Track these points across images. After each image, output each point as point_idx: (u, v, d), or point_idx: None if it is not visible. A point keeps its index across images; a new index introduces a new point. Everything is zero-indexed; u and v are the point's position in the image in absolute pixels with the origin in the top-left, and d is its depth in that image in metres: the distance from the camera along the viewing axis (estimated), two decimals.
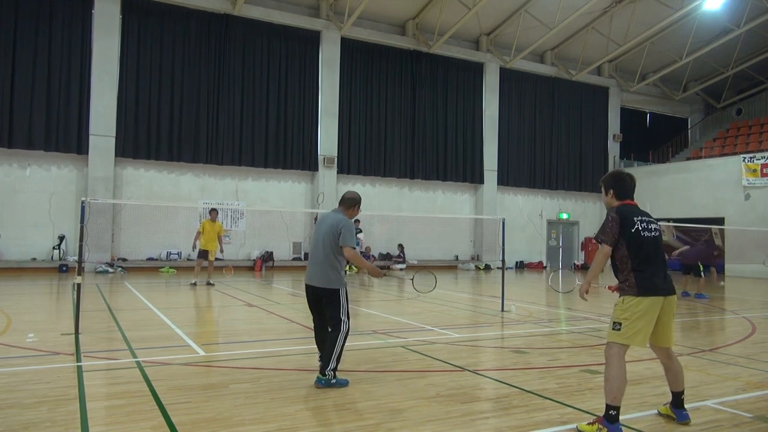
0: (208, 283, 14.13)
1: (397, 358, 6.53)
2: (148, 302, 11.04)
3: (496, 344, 7.87)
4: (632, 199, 4.54)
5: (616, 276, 4.42)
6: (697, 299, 13.37)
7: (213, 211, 14.35)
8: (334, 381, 5.07)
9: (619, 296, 4.34)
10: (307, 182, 22.07)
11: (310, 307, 5.54)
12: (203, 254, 14.14)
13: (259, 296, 12.81)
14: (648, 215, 4.47)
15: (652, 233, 4.35)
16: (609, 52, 25.94)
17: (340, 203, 5.65)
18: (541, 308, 11.68)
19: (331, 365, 5.08)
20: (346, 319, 5.26)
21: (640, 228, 4.30)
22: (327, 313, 5.32)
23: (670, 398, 4.49)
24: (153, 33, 19.26)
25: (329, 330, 5.25)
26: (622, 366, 4.15)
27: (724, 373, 6.05)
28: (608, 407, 4.08)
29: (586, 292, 4.53)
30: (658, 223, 4.52)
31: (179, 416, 4.27)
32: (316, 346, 5.67)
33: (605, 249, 4.32)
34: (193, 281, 14.10)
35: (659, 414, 4.57)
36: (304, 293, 5.51)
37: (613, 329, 4.24)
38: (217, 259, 14.95)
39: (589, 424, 4.13)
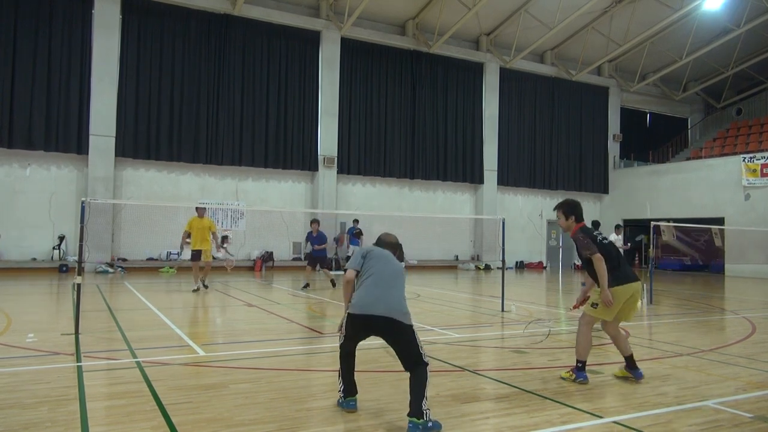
0: (204, 286, 13.27)
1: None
2: (148, 302, 11.04)
3: (496, 344, 7.87)
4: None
5: (593, 278, 5.55)
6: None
7: (200, 208, 13.16)
8: (431, 424, 4.05)
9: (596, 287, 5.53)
10: (307, 182, 22.07)
11: (353, 341, 4.55)
12: (196, 255, 12.99)
13: (259, 296, 12.80)
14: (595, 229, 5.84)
15: (606, 241, 5.60)
16: (609, 52, 25.94)
17: (392, 248, 4.86)
18: (541, 308, 11.67)
19: (425, 404, 4.10)
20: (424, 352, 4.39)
21: (600, 239, 5.56)
22: (404, 348, 4.36)
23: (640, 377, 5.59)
24: (153, 33, 19.25)
25: (418, 367, 4.28)
26: (588, 333, 5.58)
27: (724, 373, 6.05)
28: (577, 361, 5.50)
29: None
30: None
31: (179, 416, 4.27)
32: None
33: (599, 255, 5.39)
34: (195, 287, 13.07)
35: (615, 377, 5.67)
36: (351, 322, 4.45)
37: (591, 306, 5.54)
38: (214, 258, 13.74)
39: (567, 372, 5.55)
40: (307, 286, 13.84)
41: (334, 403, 4.68)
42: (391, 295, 4.39)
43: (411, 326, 4.38)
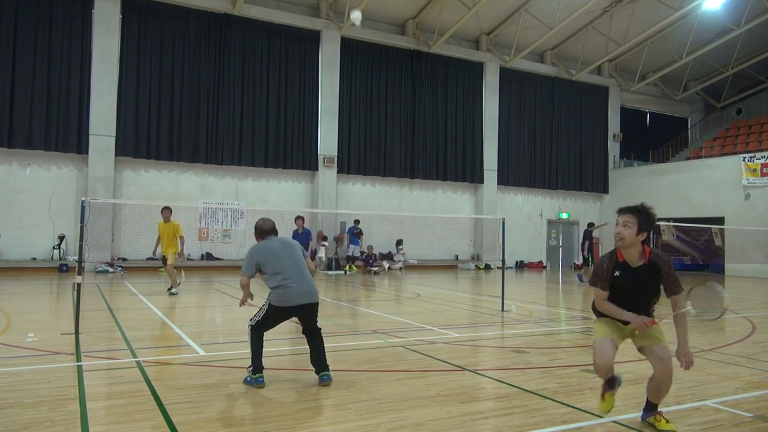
0: (170, 292, 12.08)
1: (397, 357, 6.53)
2: (148, 302, 11.04)
3: (496, 344, 7.87)
4: None
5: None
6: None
7: (165, 210, 12.21)
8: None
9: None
10: (307, 182, 22.07)
11: (273, 325, 5.47)
12: (163, 261, 12.47)
13: (259, 296, 12.77)
14: None
15: None
16: (609, 52, 25.93)
17: (275, 231, 5.66)
18: (541, 308, 11.68)
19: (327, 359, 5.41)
20: None
21: None
22: (313, 321, 5.48)
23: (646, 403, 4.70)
24: (153, 33, 19.25)
25: (318, 333, 5.46)
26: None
27: (724, 373, 6.05)
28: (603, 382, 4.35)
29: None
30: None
31: (179, 416, 4.27)
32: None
33: None
34: (175, 290, 12.18)
35: None
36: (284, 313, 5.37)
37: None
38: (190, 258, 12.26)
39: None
40: None
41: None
42: (308, 283, 5.37)
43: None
